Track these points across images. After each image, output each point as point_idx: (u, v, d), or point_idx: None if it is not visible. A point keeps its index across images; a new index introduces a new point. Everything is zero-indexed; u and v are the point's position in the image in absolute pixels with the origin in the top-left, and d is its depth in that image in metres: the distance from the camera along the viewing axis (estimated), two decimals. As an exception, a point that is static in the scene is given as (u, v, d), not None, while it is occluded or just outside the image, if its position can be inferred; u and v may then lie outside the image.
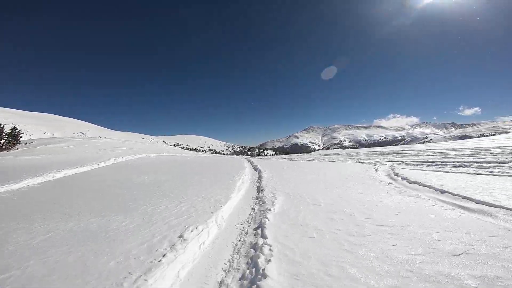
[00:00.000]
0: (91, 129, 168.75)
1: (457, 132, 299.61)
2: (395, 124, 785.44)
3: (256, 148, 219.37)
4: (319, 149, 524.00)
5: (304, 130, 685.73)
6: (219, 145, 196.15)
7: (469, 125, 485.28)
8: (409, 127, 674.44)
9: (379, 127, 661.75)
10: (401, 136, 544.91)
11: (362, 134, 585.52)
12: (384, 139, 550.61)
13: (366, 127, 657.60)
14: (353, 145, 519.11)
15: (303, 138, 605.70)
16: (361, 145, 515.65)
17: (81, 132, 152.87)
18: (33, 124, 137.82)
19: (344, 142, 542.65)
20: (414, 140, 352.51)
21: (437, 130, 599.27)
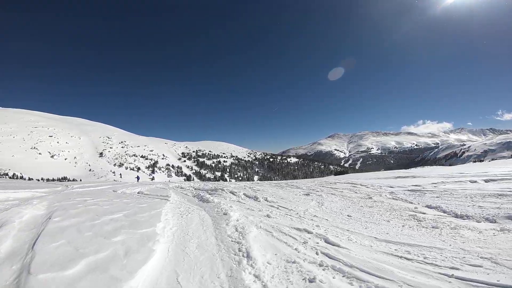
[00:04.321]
0: (117, 133, 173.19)
1: (500, 138, 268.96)
2: (426, 130, 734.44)
3: (278, 155, 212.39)
4: (344, 157, 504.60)
5: (328, 137, 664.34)
6: (241, 151, 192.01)
7: (511, 130, 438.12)
8: (443, 133, 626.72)
9: (409, 133, 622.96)
10: (434, 144, 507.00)
11: (391, 141, 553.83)
12: (415, 147, 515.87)
13: (396, 134, 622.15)
14: (381, 152, 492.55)
15: (327, 145, 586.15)
16: (390, 152, 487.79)
17: (107, 137, 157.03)
18: (61, 128, 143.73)
19: (372, 149, 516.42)
20: (449, 147, 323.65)
21: (474, 137, 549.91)
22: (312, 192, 9.40)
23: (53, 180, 73.37)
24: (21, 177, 68.32)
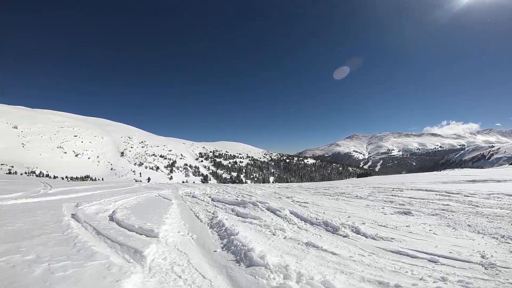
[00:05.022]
0: (137, 133, 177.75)
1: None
2: (450, 131, 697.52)
3: (295, 156, 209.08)
4: (363, 159, 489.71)
5: (347, 138, 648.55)
6: (257, 152, 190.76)
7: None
8: (469, 134, 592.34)
9: (433, 134, 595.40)
10: (459, 145, 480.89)
11: (413, 143, 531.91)
12: (439, 148, 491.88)
13: (418, 135, 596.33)
14: (402, 154, 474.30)
15: (346, 146, 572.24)
16: (412, 154, 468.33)
17: (128, 137, 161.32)
18: (86, 128, 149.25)
19: (393, 151, 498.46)
20: (476, 149, 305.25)
21: (504, 139, 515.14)
22: (403, 207, 6.46)
23: (77, 178, 75.56)
24: (47, 175, 70.78)
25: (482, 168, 57.75)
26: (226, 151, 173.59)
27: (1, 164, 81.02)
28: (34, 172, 78.17)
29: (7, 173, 62.18)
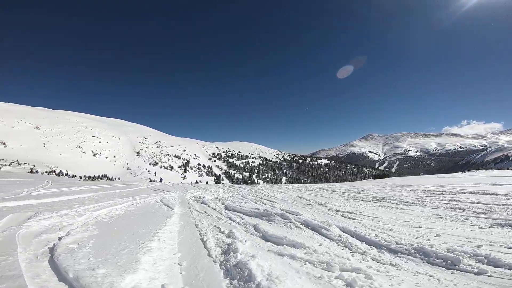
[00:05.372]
0: (152, 134, 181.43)
1: None
2: (471, 131, 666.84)
3: (308, 156, 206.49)
4: (379, 159, 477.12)
5: (362, 138, 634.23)
6: (269, 152, 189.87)
7: None
8: (491, 134, 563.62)
9: (452, 134, 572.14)
10: (481, 146, 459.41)
11: (431, 143, 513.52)
12: (459, 149, 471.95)
13: (437, 135, 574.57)
14: (420, 155, 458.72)
15: (360, 147, 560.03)
16: (431, 155, 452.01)
17: (143, 137, 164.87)
18: (103, 129, 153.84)
19: (410, 151, 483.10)
20: (500, 150, 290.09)
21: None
22: (497, 217, 5.16)
23: (94, 177, 77.58)
24: (66, 175, 73.21)
25: (508, 169, 54.36)
26: (239, 151, 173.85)
27: (24, 163, 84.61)
28: (54, 171, 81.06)
29: (28, 172, 64.68)
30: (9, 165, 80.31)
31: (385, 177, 47.97)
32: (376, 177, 54.20)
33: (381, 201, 8.41)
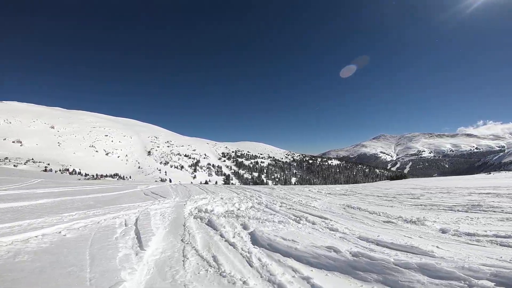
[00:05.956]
0: (163, 134, 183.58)
1: None
2: (488, 131, 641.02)
3: (318, 157, 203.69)
4: (391, 160, 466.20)
5: (373, 138, 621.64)
6: (278, 152, 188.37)
7: None
8: (509, 135, 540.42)
9: (468, 135, 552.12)
10: (498, 147, 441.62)
11: (446, 144, 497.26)
12: (475, 150, 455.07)
13: (452, 136, 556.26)
14: (434, 156, 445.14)
15: (372, 147, 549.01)
16: (445, 156, 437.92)
17: (154, 137, 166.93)
18: (116, 128, 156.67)
19: (423, 152, 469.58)
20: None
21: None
22: None
23: (96, 176, 78.62)
24: (79, 173, 74.49)
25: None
26: (248, 151, 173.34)
27: (39, 162, 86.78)
28: (67, 170, 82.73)
29: (43, 170, 66.12)
30: (24, 164, 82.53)
31: (401, 179, 45.92)
32: (391, 178, 52.11)
33: (476, 210, 6.12)
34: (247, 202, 7.91)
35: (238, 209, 6.58)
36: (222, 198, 9.02)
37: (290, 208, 6.81)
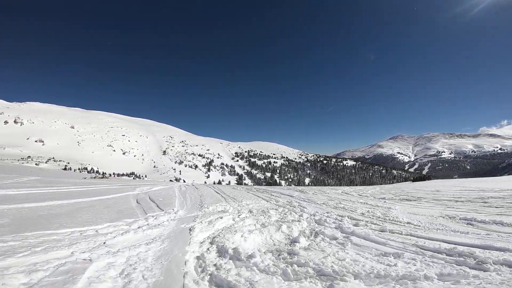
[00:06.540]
0: (178, 134, 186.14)
1: None
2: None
3: (333, 157, 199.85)
4: (409, 161, 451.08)
5: (390, 138, 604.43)
6: (292, 152, 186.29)
7: None
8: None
9: (491, 135, 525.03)
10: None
11: (468, 145, 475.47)
12: (499, 151, 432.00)
13: (473, 136, 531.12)
14: (455, 157, 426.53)
15: (389, 147, 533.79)
16: (466, 157, 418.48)
17: (169, 136, 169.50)
18: (133, 128, 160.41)
19: (443, 153, 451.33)
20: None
21: None
22: None
23: (123, 175, 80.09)
24: (97, 172, 76.22)
25: None
26: (261, 151, 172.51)
27: (59, 161, 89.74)
28: (86, 168, 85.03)
29: (63, 169, 68.05)
30: (45, 162, 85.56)
31: (424, 180, 43.53)
32: (414, 180, 49.48)
33: None
34: (293, 219, 5.03)
35: (294, 243, 3.50)
36: (251, 212, 5.98)
37: (382, 231, 4.07)
